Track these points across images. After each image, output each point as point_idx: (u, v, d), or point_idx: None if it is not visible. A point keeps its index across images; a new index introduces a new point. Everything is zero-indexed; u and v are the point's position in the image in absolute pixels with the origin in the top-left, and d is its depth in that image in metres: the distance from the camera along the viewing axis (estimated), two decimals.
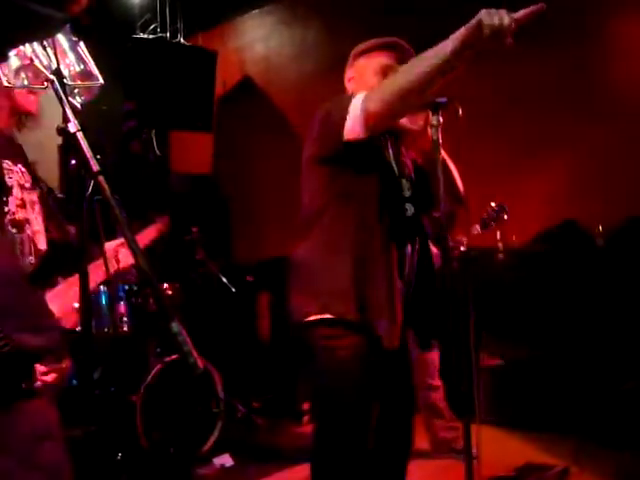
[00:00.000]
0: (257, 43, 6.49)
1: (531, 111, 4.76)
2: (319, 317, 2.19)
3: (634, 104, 4.44)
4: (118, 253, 2.89)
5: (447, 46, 1.91)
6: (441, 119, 2.11)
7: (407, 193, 2.28)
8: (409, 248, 2.28)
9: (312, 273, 2.26)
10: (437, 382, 4.03)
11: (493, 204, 4.00)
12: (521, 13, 1.85)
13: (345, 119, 2.09)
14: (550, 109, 4.72)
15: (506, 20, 1.82)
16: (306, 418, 4.96)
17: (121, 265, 2.90)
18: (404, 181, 2.29)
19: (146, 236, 2.98)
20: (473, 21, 1.85)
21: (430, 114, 2.14)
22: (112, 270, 2.86)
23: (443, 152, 2.23)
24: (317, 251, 2.24)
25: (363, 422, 2.19)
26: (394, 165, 2.29)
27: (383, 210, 2.21)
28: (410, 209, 2.27)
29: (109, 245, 2.96)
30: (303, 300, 2.26)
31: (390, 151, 2.30)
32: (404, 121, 2.26)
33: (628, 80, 4.50)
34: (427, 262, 2.35)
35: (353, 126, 2.08)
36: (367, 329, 2.18)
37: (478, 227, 4.03)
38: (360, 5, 5.48)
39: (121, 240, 2.94)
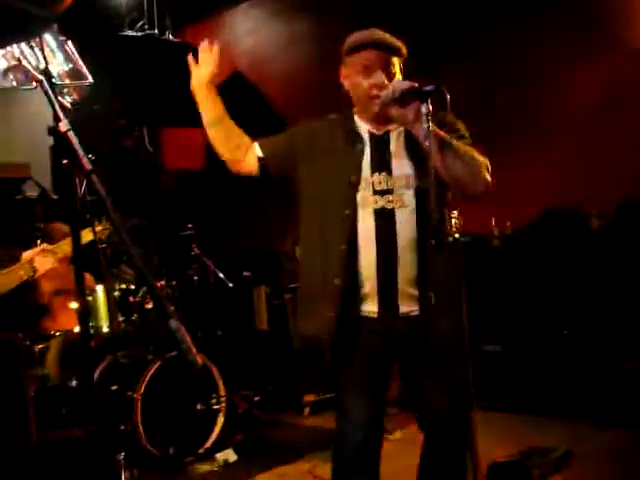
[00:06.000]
0: (245, 37, 6.46)
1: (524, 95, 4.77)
2: None
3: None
4: (34, 261, 3.04)
5: None
6: (430, 107, 2.09)
7: (378, 187, 2.29)
8: (377, 240, 2.29)
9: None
10: None
11: None
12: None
13: None
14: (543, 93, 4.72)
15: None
16: (307, 410, 4.96)
17: (39, 272, 3.05)
18: (376, 175, 2.30)
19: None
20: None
21: (420, 103, 2.11)
22: (28, 276, 3.03)
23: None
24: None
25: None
26: (368, 163, 2.32)
27: (347, 209, 2.27)
28: (379, 201, 2.28)
29: (27, 253, 3.10)
30: None
31: (367, 150, 2.34)
32: (395, 117, 2.25)
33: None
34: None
35: None
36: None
37: None
38: None
39: (39, 249, 3.10)
